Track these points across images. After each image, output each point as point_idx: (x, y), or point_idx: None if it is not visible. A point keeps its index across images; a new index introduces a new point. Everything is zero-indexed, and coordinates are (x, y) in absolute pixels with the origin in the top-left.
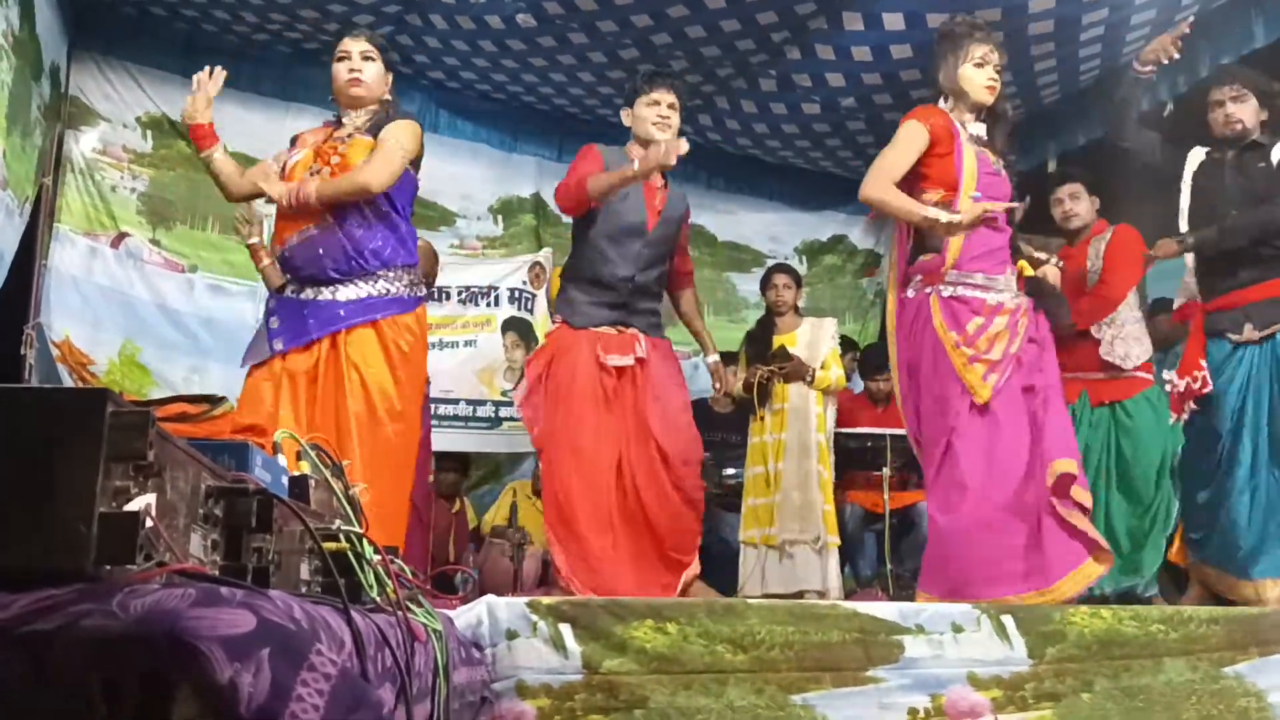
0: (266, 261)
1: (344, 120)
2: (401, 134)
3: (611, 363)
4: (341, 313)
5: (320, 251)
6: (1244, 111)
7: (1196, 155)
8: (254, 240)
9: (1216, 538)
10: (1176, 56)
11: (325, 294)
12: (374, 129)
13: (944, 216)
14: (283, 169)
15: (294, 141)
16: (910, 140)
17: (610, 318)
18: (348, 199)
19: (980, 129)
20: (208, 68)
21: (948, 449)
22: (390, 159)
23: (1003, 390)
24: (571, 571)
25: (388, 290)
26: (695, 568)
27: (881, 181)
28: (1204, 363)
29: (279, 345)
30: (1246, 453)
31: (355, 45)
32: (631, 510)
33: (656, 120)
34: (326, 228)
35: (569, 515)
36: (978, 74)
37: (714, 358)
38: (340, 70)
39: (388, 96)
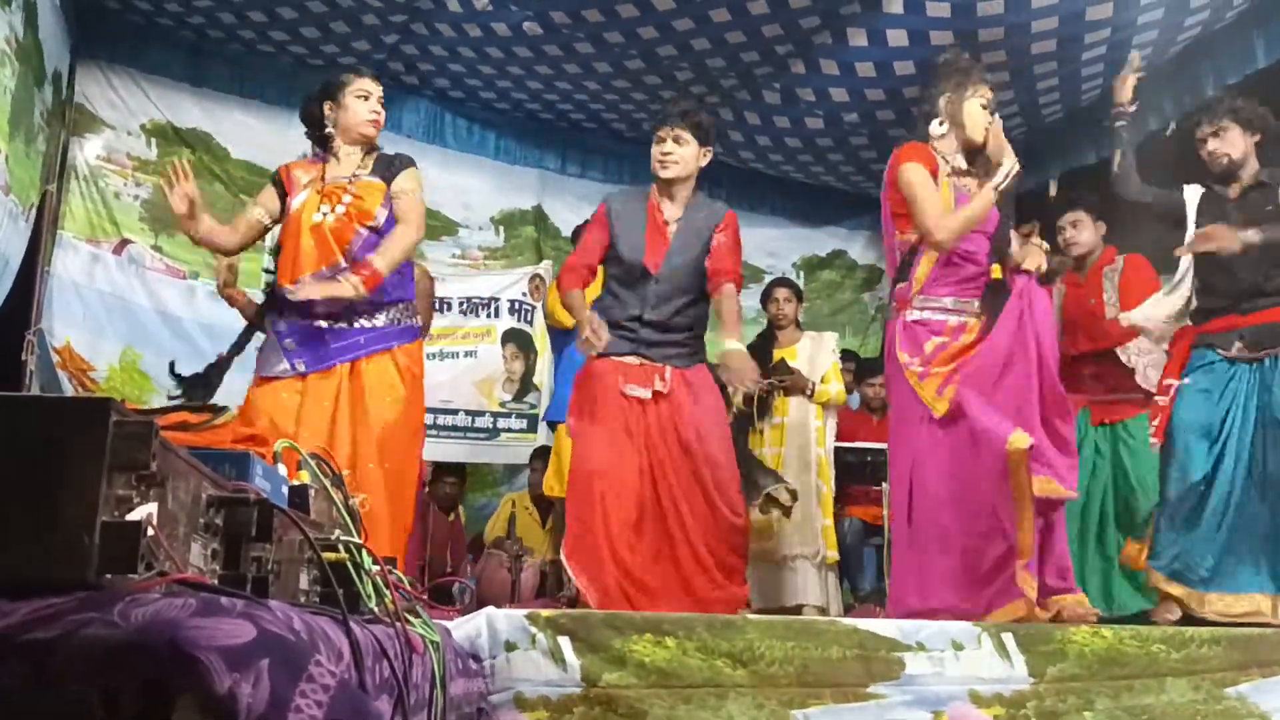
0: (241, 300)
1: (339, 155)
2: (418, 185)
3: (629, 392)
4: (361, 340)
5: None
6: (1227, 145)
7: (1194, 192)
8: (233, 290)
9: (1190, 553)
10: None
11: (342, 323)
12: (382, 173)
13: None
14: (282, 212)
15: (279, 180)
16: (926, 180)
17: (630, 349)
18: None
19: (961, 161)
20: (175, 163)
21: (912, 470)
22: (422, 211)
23: (957, 405)
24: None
25: (398, 320)
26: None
27: (943, 220)
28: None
29: (300, 367)
30: (1228, 469)
31: (376, 88)
32: (663, 542)
33: (660, 158)
34: (343, 267)
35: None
36: (981, 114)
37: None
38: (362, 110)
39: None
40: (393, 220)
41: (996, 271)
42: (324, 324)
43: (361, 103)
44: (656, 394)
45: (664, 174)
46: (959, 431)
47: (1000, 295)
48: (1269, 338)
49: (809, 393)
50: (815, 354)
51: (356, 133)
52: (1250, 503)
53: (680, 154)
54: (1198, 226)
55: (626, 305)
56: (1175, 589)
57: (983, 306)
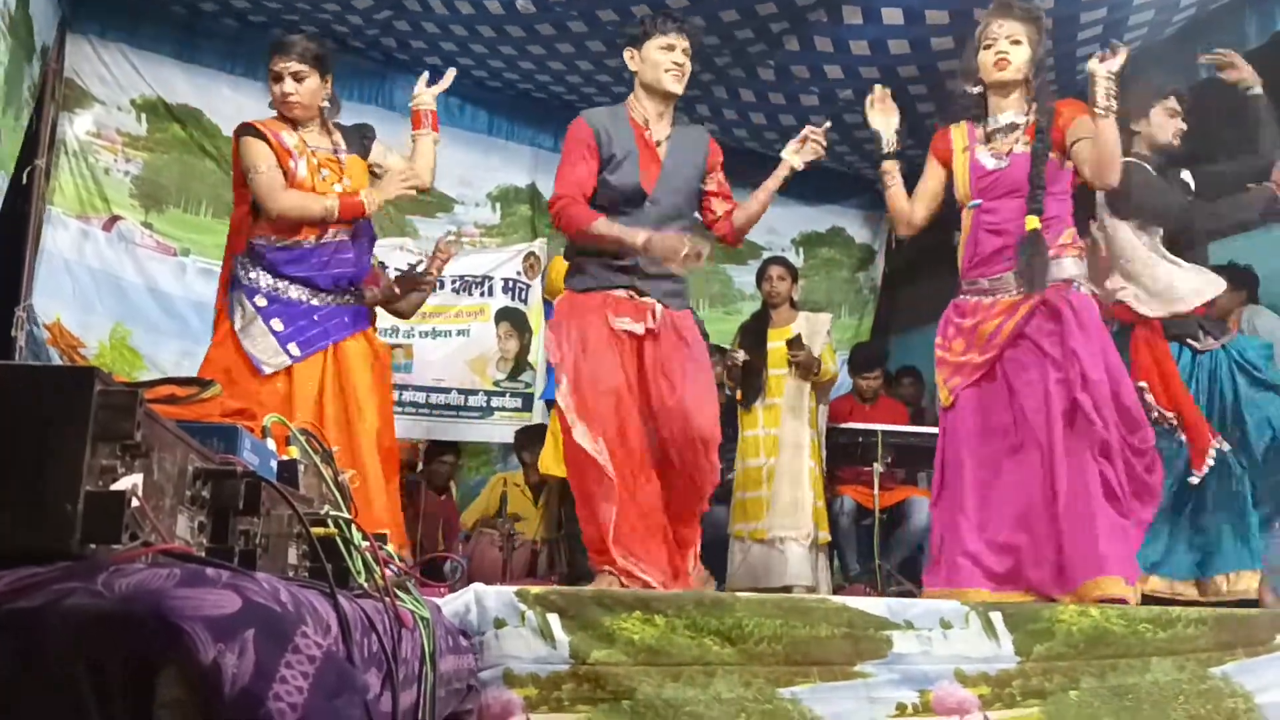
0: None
1: (300, 124)
2: (389, 150)
3: (618, 326)
4: (347, 319)
5: (335, 261)
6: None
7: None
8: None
9: (1184, 541)
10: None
11: (326, 300)
12: (358, 148)
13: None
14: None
15: (264, 138)
16: (927, 172)
17: (622, 281)
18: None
19: (1008, 115)
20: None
21: (940, 449)
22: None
23: (964, 394)
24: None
25: (360, 301)
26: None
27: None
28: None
29: (295, 352)
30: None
31: (286, 65)
32: (639, 488)
33: (670, 67)
34: (343, 238)
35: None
36: (985, 55)
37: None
38: (275, 92)
39: (325, 103)
40: None
41: (1032, 222)
42: (307, 297)
43: (275, 85)
44: (649, 331)
45: (675, 88)
46: (959, 421)
47: (1033, 249)
48: (1222, 325)
49: (816, 370)
50: (810, 334)
51: (286, 113)
52: (1232, 482)
53: (688, 66)
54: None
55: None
56: (1161, 584)
57: (1019, 272)
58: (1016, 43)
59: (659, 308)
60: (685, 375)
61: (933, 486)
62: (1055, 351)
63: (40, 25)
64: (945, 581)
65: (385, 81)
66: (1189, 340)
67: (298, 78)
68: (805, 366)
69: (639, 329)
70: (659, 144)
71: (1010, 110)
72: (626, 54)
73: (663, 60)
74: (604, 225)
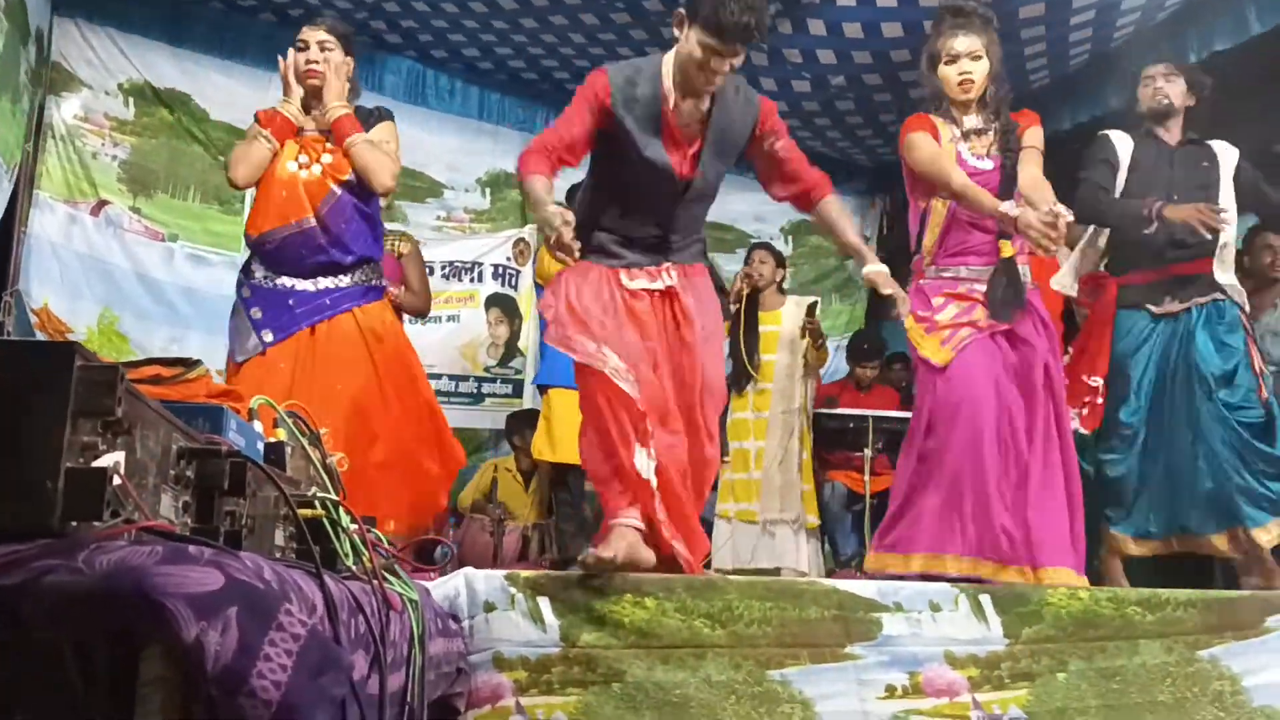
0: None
1: (313, 111)
2: (393, 137)
3: (633, 286)
4: (327, 301)
5: (306, 247)
6: (1173, 90)
7: (1124, 141)
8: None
9: (1137, 505)
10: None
11: (306, 285)
12: (365, 128)
13: (1012, 212)
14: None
15: (259, 119)
16: (927, 141)
17: (644, 260)
18: (361, 174)
19: (975, 121)
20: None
21: (923, 422)
22: (394, 163)
23: (966, 352)
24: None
25: (364, 280)
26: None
27: (951, 173)
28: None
29: (268, 338)
30: (1163, 419)
31: (313, 35)
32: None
33: (708, 73)
34: (310, 225)
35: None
36: (948, 71)
37: (874, 267)
38: (299, 60)
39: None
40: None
41: (1007, 249)
42: (290, 284)
43: (299, 55)
44: (668, 289)
45: (704, 89)
46: (963, 383)
47: (1008, 277)
48: (1193, 290)
49: (821, 341)
50: (799, 317)
51: (303, 85)
52: (1179, 453)
53: (726, 73)
54: (1136, 172)
55: (647, 220)
56: (1140, 544)
57: (989, 285)
58: (977, 58)
59: (673, 268)
60: (709, 339)
61: (911, 441)
62: (1037, 341)
63: (35, 8)
64: (927, 547)
65: (374, 65)
66: (1146, 306)
67: (324, 47)
68: (817, 335)
69: (658, 285)
70: (691, 125)
71: (973, 116)
72: (675, 19)
73: (703, 60)
74: (537, 184)
